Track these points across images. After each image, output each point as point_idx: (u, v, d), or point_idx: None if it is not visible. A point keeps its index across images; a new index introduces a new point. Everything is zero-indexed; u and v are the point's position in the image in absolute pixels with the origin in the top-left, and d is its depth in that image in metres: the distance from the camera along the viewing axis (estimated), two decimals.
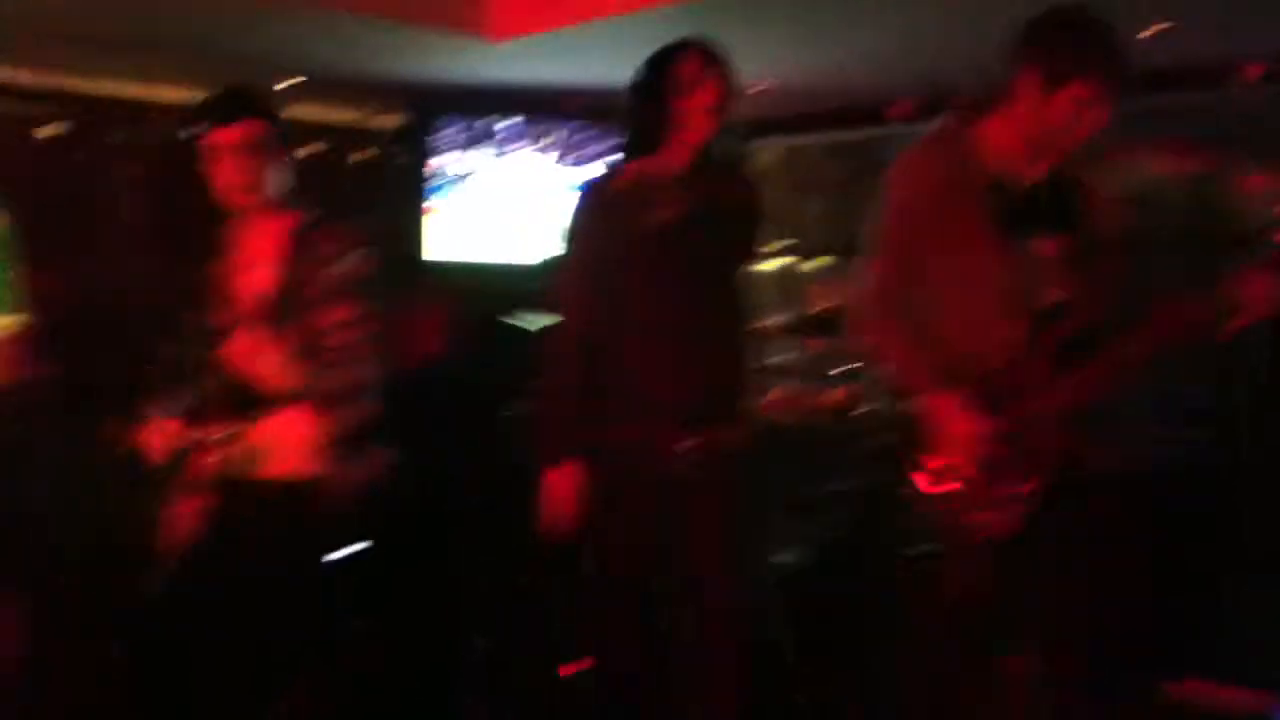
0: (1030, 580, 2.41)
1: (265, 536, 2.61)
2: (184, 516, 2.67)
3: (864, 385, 4.51)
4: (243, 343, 2.61)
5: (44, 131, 4.02)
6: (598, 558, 2.76)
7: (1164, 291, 2.38)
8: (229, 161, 2.61)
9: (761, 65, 4.17)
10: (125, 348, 3.06)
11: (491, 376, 4.21)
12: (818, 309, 5.11)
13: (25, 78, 4.03)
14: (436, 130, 4.88)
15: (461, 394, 4.17)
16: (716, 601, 2.71)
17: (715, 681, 2.71)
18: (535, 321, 4.17)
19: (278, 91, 4.27)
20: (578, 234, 2.77)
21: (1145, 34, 3.43)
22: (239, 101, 2.66)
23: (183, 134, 2.67)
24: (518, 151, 5.05)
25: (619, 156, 2.83)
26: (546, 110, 4.98)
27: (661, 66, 2.67)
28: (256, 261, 2.68)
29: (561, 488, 2.70)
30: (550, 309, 2.88)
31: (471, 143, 4.96)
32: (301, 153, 4.53)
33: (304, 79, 4.30)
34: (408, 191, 4.83)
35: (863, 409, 4.55)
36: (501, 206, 5.03)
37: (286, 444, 2.64)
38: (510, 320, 4.40)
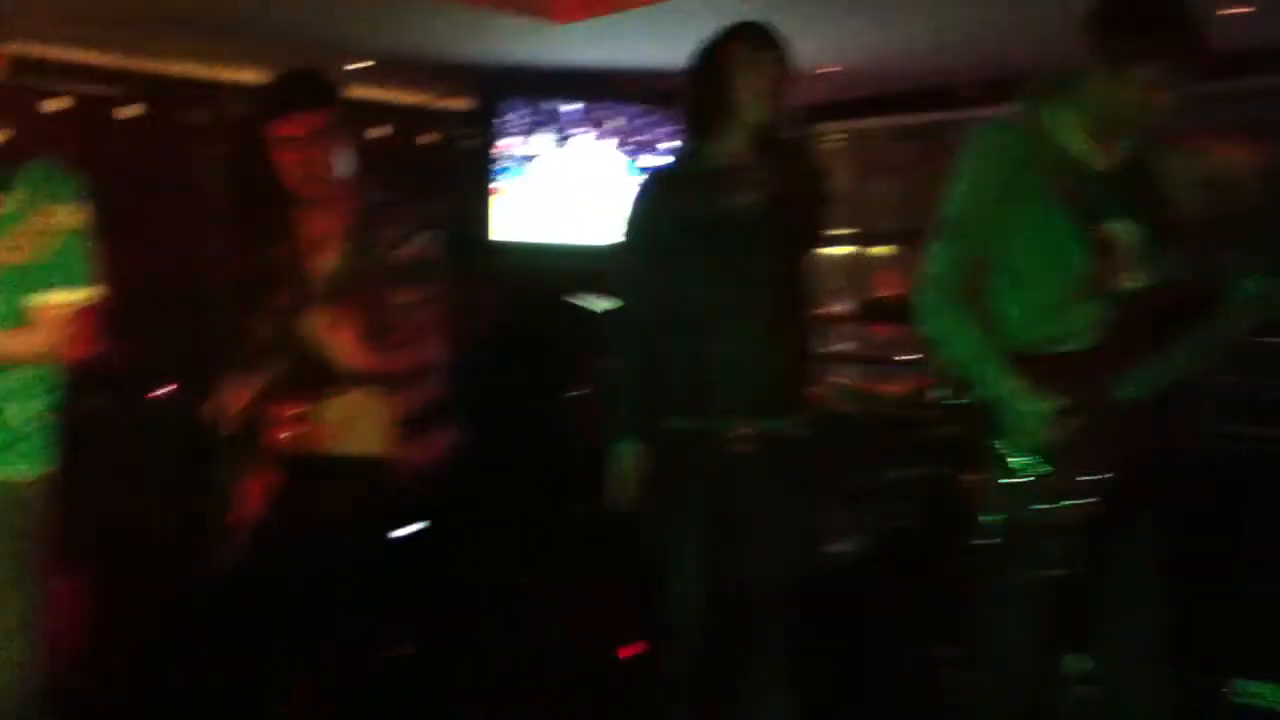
0: (1106, 570, 2.38)
1: (332, 513, 2.66)
2: (254, 491, 2.73)
3: (930, 372, 4.46)
4: (314, 322, 2.65)
5: (123, 112, 4.11)
6: (656, 538, 2.77)
7: (1239, 277, 2.33)
8: (295, 151, 2.65)
9: (826, 47, 4.14)
10: (200, 325, 3.14)
11: (556, 356, 4.24)
12: (884, 295, 5.06)
13: (104, 59, 4.13)
14: (502, 113, 4.91)
15: (526, 374, 4.21)
16: (766, 585, 2.70)
17: (764, 666, 2.71)
18: (599, 303, 4.19)
19: (346, 74, 4.32)
20: (638, 220, 2.77)
21: (1222, 13, 3.35)
22: (303, 92, 2.69)
23: (250, 122, 2.72)
24: (582, 134, 5.07)
25: (680, 141, 2.83)
26: (610, 93, 4.99)
27: (714, 50, 2.66)
28: (326, 243, 2.72)
29: (625, 467, 2.72)
30: (613, 293, 2.89)
31: (536, 126, 4.98)
32: (369, 135, 4.61)
33: (372, 62, 4.35)
34: (474, 174, 4.87)
35: (929, 396, 4.51)
36: (566, 189, 5.05)
37: (356, 423, 2.69)
38: (575, 301, 4.42)
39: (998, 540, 2.37)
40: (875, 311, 4.94)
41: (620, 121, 5.08)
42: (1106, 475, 2.32)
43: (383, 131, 4.72)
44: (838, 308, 5.19)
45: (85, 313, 2.34)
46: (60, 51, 3.94)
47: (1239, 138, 3.36)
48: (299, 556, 2.64)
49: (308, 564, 2.64)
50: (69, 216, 2.23)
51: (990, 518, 2.37)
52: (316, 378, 2.66)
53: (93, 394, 2.52)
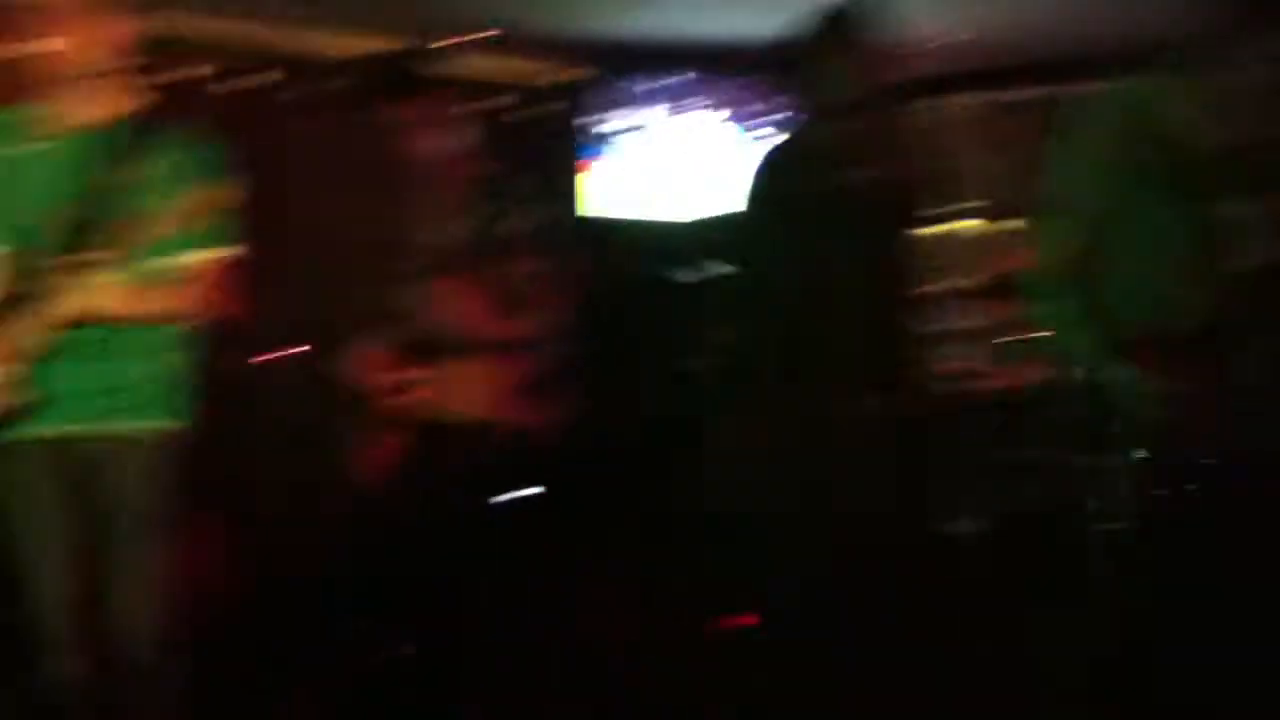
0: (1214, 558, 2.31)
1: (448, 477, 2.73)
2: (374, 453, 2.81)
3: (1045, 352, 4.35)
4: (433, 292, 2.72)
5: (255, 82, 4.24)
6: (764, 510, 2.77)
7: None
8: (411, 132, 2.73)
9: (944, 19, 4.04)
10: (326, 292, 3.23)
11: (655, 330, 4.25)
12: (999, 273, 4.94)
13: (240, 31, 4.26)
14: (608, 86, 4.92)
15: (624, 348, 4.24)
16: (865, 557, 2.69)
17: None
18: (698, 277, 4.19)
19: (454, 47, 4.38)
20: (753, 196, 2.78)
21: None
22: (411, 78, 2.76)
23: (363, 101, 2.79)
24: (687, 108, 5.05)
25: (788, 116, 2.81)
26: (716, 67, 4.96)
27: (820, 28, 2.64)
28: (442, 216, 2.79)
29: (731, 440, 2.73)
30: (722, 268, 2.90)
31: (641, 99, 4.98)
32: (477, 108, 4.66)
33: (480, 35, 4.40)
34: (578, 147, 4.90)
35: (1045, 377, 4.40)
36: (669, 163, 5.05)
37: (473, 389, 2.75)
38: (674, 276, 4.42)
39: (1116, 522, 2.32)
40: (991, 290, 4.83)
41: (727, 93, 5.06)
42: (1211, 461, 2.25)
43: (490, 104, 4.77)
44: (955, 284, 5.08)
45: (218, 273, 2.44)
46: (198, 24, 4.07)
47: None
48: (416, 517, 2.72)
49: (423, 525, 2.71)
50: (206, 183, 2.33)
51: (1105, 499, 2.32)
52: (435, 345, 2.73)
53: (223, 352, 2.61)
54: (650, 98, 4.99)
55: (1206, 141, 2.28)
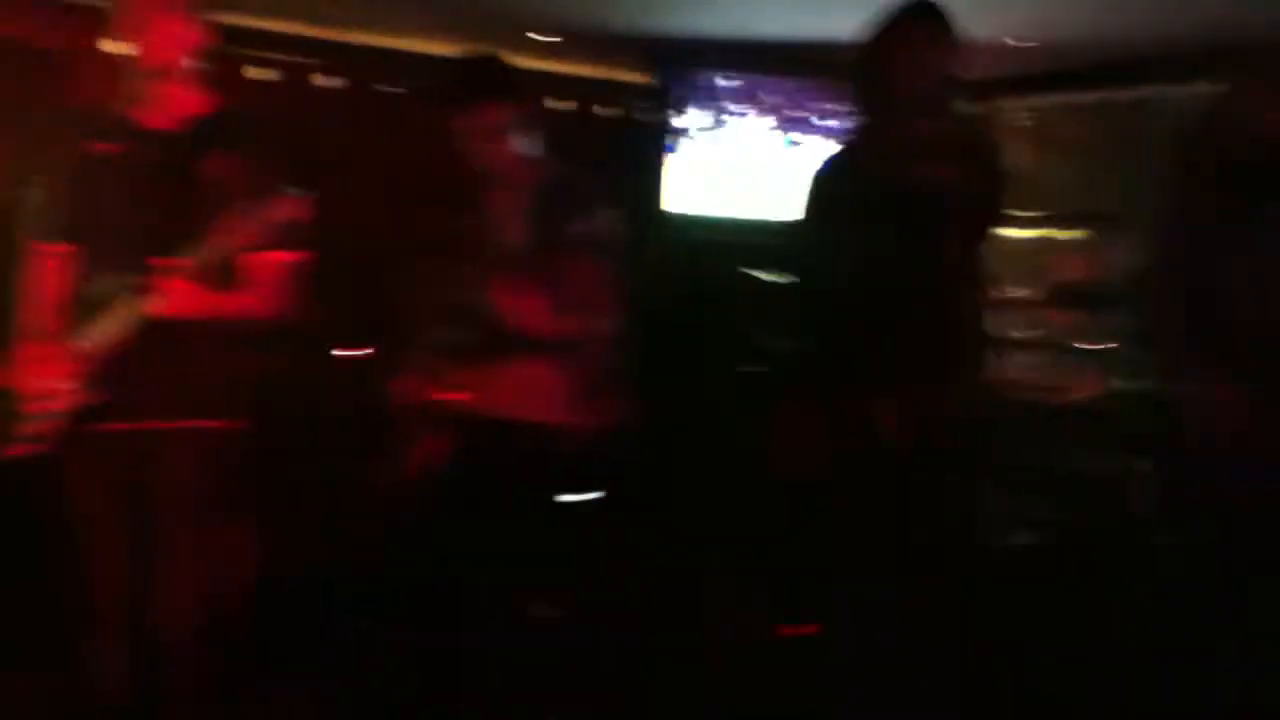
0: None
1: (504, 478, 2.73)
2: (431, 453, 2.82)
3: (1115, 362, 4.28)
4: (495, 291, 2.72)
5: (320, 82, 4.27)
6: (824, 517, 2.75)
7: None
8: (479, 137, 2.72)
9: (1012, 19, 3.98)
10: (387, 291, 3.24)
11: (731, 329, 4.24)
12: (1067, 281, 4.88)
13: (304, 30, 4.29)
14: (682, 85, 4.91)
15: (700, 346, 4.23)
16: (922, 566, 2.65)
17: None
18: (775, 276, 4.17)
19: (532, 45, 4.39)
20: (814, 198, 2.76)
21: None
22: (488, 83, 2.75)
23: (438, 100, 2.80)
24: (761, 107, 5.03)
25: (854, 117, 2.79)
26: (791, 67, 4.93)
27: (879, 27, 2.61)
28: (508, 216, 2.79)
29: (803, 441, 2.70)
30: (791, 269, 2.89)
31: (716, 97, 4.97)
32: (550, 107, 4.67)
33: (554, 35, 4.40)
34: (653, 145, 4.89)
35: (1112, 387, 4.33)
36: (745, 161, 5.03)
37: (533, 390, 2.75)
38: (751, 274, 4.40)
39: (1182, 536, 2.28)
40: (1058, 297, 4.77)
41: (791, 95, 5.03)
42: None
43: (563, 104, 4.78)
44: (1018, 292, 5.02)
45: (284, 273, 2.46)
46: (264, 22, 4.11)
47: None
48: (468, 518, 2.72)
49: (477, 525, 2.72)
50: (276, 184, 2.34)
51: (1174, 513, 2.28)
52: (496, 345, 2.73)
53: (286, 350, 2.64)
54: (727, 96, 4.97)
55: None
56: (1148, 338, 2.39)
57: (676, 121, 4.89)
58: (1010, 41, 4.26)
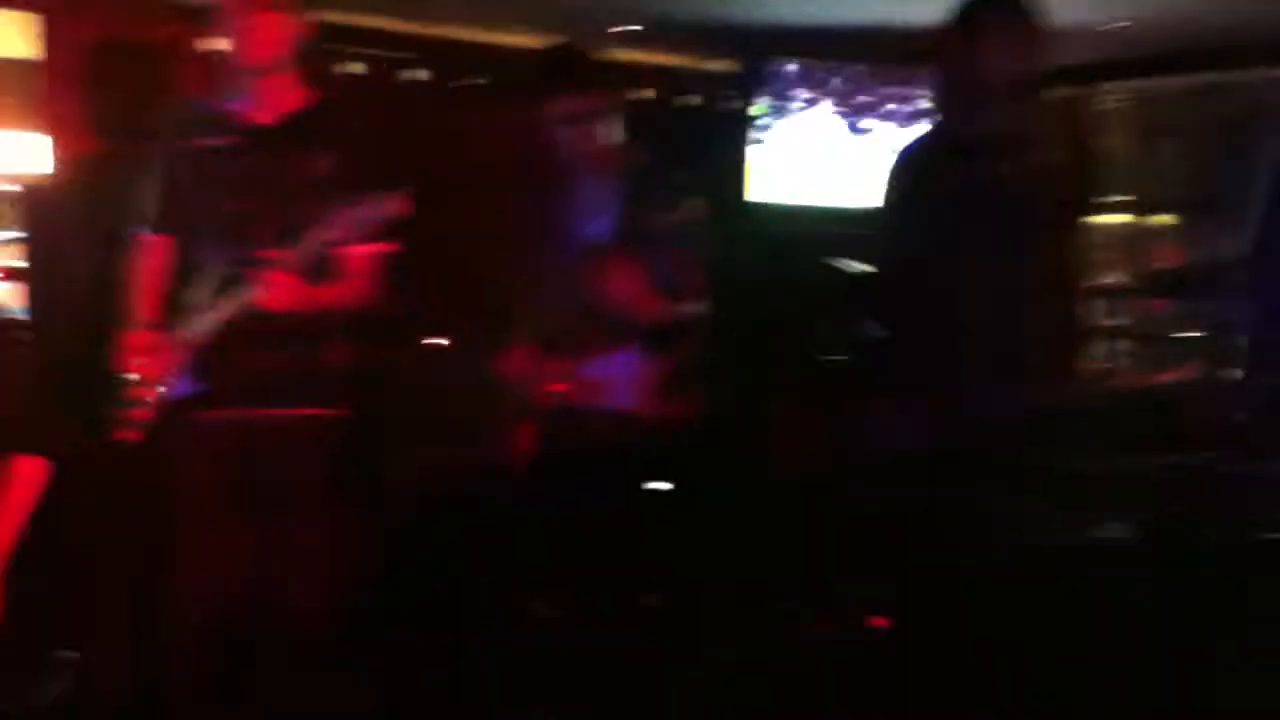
0: None
1: (595, 466, 2.76)
2: (524, 440, 2.86)
3: (1210, 352, 4.18)
4: (583, 281, 2.76)
5: (409, 76, 4.35)
6: (911, 508, 2.73)
7: None
8: (566, 127, 2.76)
9: (1107, 3, 3.90)
10: (480, 281, 3.29)
11: (813, 318, 4.21)
12: (1161, 268, 4.77)
13: (393, 25, 4.36)
14: (765, 74, 4.89)
15: (782, 334, 4.21)
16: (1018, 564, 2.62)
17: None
18: (857, 266, 4.14)
19: (614, 36, 4.41)
20: (897, 188, 2.73)
21: None
22: (574, 73, 2.79)
23: (523, 93, 2.84)
24: (842, 94, 4.99)
25: (937, 104, 2.76)
26: (873, 53, 4.88)
27: (964, 16, 2.57)
28: (594, 203, 2.81)
29: (892, 438, 2.68)
30: (873, 261, 2.87)
31: (800, 86, 4.94)
32: (634, 97, 4.69)
33: (638, 25, 4.42)
34: (734, 135, 4.88)
35: (1207, 377, 4.23)
36: (826, 150, 5.00)
37: (623, 379, 2.78)
38: (833, 263, 4.38)
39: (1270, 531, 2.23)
40: (1153, 285, 4.66)
41: (872, 82, 4.98)
42: None
43: (647, 94, 4.80)
44: (1111, 280, 4.92)
45: (379, 264, 2.51)
46: (356, 17, 4.19)
47: None
48: (560, 506, 2.76)
49: (568, 513, 2.75)
50: (376, 178, 2.40)
51: (1261, 506, 2.22)
52: (584, 335, 2.76)
53: (378, 340, 2.69)
54: (809, 84, 4.95)
55: None
56: (1243, 326, 2.33)
57: (757, 110, 4.88)
58: (1104, 25, 4.18)
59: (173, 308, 2.53)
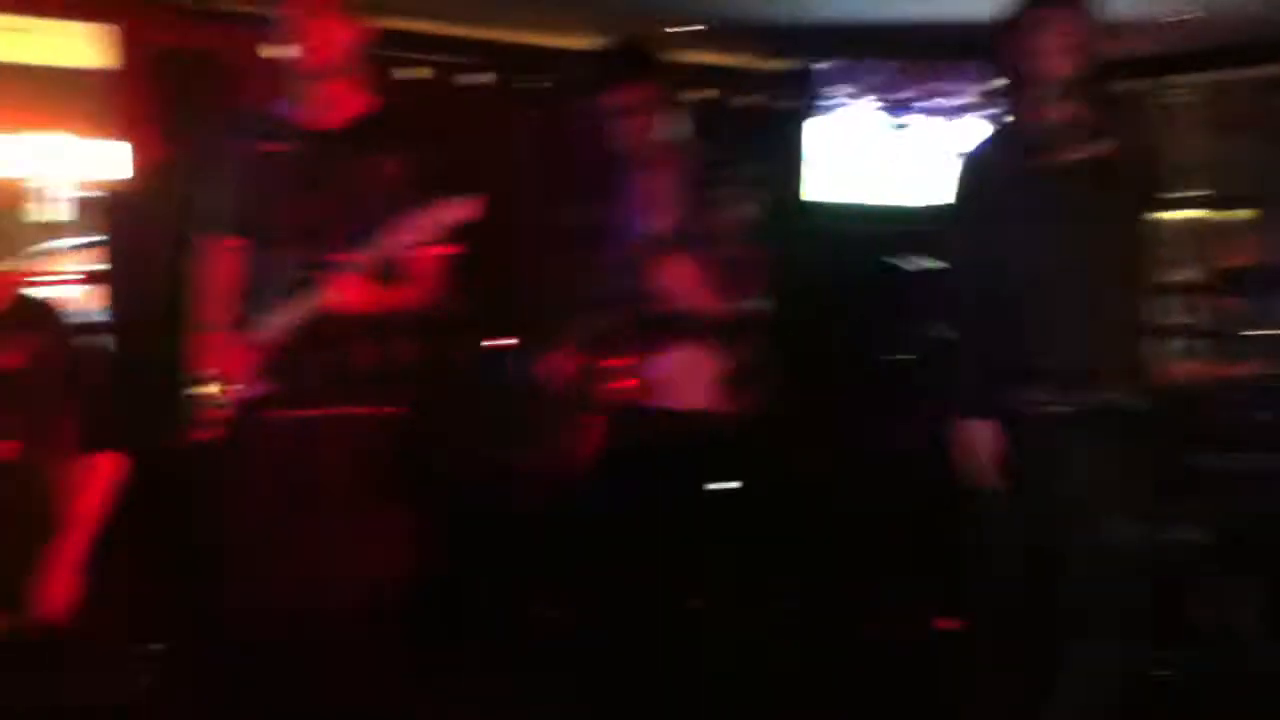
0: None
1: (660, 465, 2.77)
2: (585, 440, 2.88)
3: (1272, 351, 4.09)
4: (641, 279, 2.77)
5: (466, 79, 4.39)
6: (980, 514, 2.70)
7: None
8: (626, 119, 2.78)
9: None
10: (534, 281, 3.32)
11: (872, 316, 4.19)
12: (1234, 265, 4.66)
13: (453, 30, 4.41)
14: (821, 73, 4.88)
15: (842, 333, 4.19)
16: (1094, 565, 2.57)
17: (1085, 646, 2.59)
18: (917, 264, 4.10)
19: (670, 37, 4.41)
20: (964, 184, 2.71)
21: None
22: (633, 64, 2.81)
23: (580, 91, 2.86)
24: (904, 93, 4.95)
25: (1004, 99, 2.73)
26: (931, 51, 4.83)
27: (1021, 8, 2.55)
28: (654, 202, 2.83)
29: (972, 442, 2.64)
30: (942, 258, 2.85)
31: (855, 85, 4.91)
32: (692, 97, 4.70)
33: (695, 26, 4.42)
34: (792, 133, 4.87)
35: (1271, 376, 4.13)
36: (886, 148, 4.96)
37: (683, 377, 2.79)
38: (892, 261, 4.35)
39: None
40: (1226, 282, 4.56)
41: (930, 80, 4.93)
42: None
43: (705, 93, 4.80)
44: (1183, 277, 4.82)
45: (443, 266, 2.55)
46: (414, 23, 4.24)
47: None
48: (623, 505, 2.77)
49: (631, 512, 2.76)
50: (439, 181, 2.44)
51: None
52: (646, 332, 2.78)
53: (438, 340, 2.73)
54: (872, 83, 4.92)
55: None
56: None
57: (815, 108, 4.86)
58: (1172, 16, 4.10)
59: (245, 310, 2.59)
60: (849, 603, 3.70)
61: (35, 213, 3.82)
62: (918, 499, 3.46)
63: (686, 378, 2.79)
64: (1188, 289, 4.83)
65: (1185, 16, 4.11)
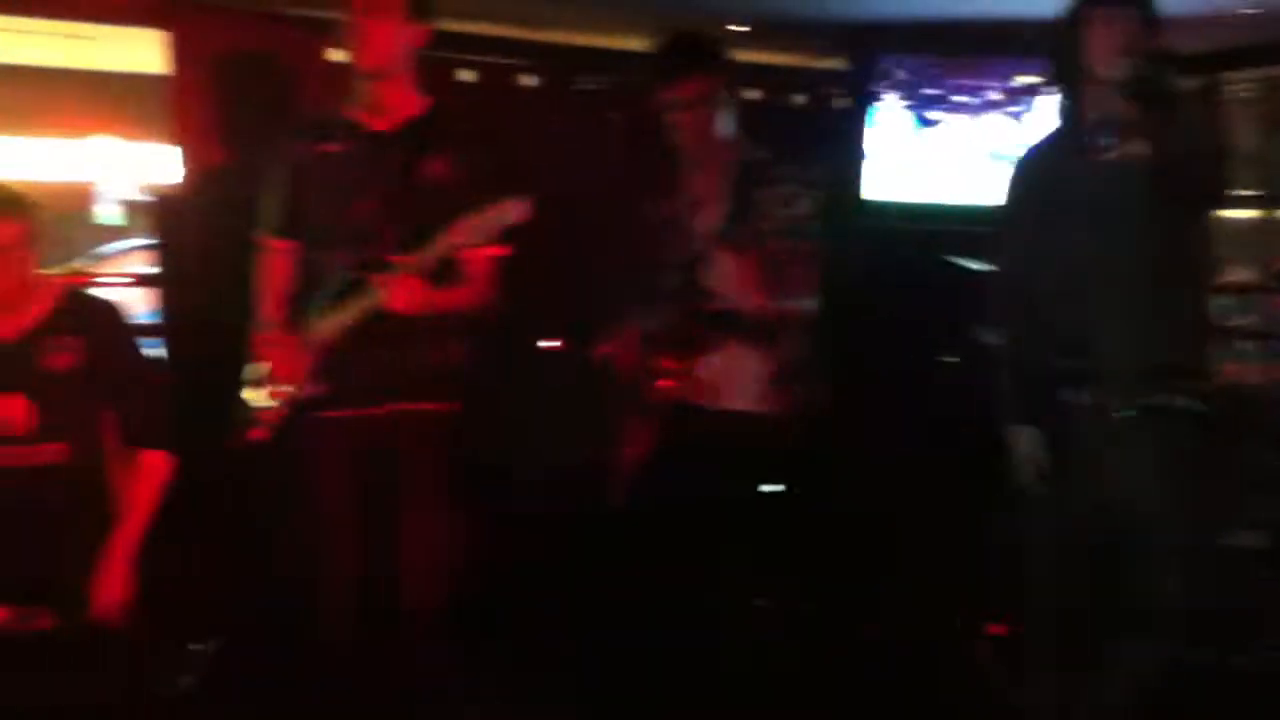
0: None
1: (709, 465, 2.76)
2: (639, 439, 2.88)
3: None
4: (695, 277, 2.77)
5: (523, 81, 4.41)
6: (1032, 516, 2.67)
7: None
8: (682, 113, 2.78)
9: None
10: (592, 280, 3.33)
11: (931, 316, 4.16)
12: None
13: (507, 32, 4.43)
14: (878, 70, 4.84)
15: (900, 333, 4.16)
16: (1150, 563, 2.54)
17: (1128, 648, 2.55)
18: (977, 263, 4.06)
19: (725, 36, 4.40)
20: (1016, 183, 2.70)
21: None
22: (690, 57, 2.81)
23: (639, 86, 2.87)
24: (957, 91, 4.91)
25: (1058, 98, 2.70)
26: (992, 49, 4.79)
27: (1076, 4, 2.52)
28: (709, 199, 2.83)
29: (1025, 449, 2.62)
30: (993, 259, 2.82)
31: (913, 82, 4.88)
32: (748, 95, 4.69)
33: (750, 25, 4.41)
34: (849, 132, 4.85)
35: None
36: (944, 146, 4.92)
37: (736, 377, 2.79)
38: (952, 260, 4.31)
39: None
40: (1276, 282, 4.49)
41: (988, 77, 4.88)
42: None
43: (760, 92, 4.79)
44: (1239, 276, 4.75)
45: (497, 267, 2.57)
46: (469, 25, 4.26)
47: None
48: (675, 504, 2.77)
49: (683, 512, 2.76)
50: (493, 182, 2.45)
51: None
52: (699, 331, 2.77)
53: (490, 340, 2.74)
54: (929, 81, 4.88)
55: None
56: None
57: (872, 107, 4.83)
58: (1234, 11, 4.03)
59: (299, 310, 2.62)
60: (893, 602, 3.67)
61: (96, 216, 3.89)
62: (968, 501, 3.42)
63: (736, 377, 2.78)
64: (1243, 289, 4.75)
65: (1244, 11, 4.04)
